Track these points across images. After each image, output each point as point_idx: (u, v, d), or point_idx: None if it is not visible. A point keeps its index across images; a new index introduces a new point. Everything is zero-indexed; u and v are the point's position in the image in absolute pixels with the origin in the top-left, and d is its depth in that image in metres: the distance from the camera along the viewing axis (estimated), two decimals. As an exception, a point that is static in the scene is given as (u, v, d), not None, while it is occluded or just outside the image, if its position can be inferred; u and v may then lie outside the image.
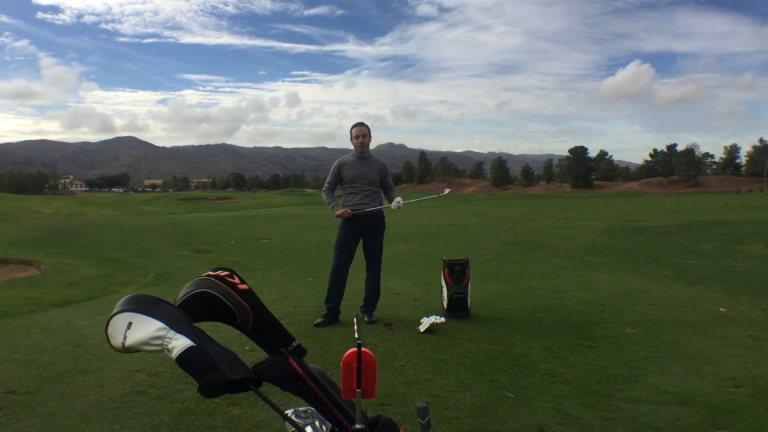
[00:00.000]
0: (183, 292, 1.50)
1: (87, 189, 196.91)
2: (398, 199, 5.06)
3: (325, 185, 5.10)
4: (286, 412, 1.58)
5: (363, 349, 1.36)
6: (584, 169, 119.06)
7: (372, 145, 5.07)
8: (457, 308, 5.02)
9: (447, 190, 6.11)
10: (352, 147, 5.06)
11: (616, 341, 4.26)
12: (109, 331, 1.38)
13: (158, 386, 3.26)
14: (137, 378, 3.40)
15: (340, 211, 4.92)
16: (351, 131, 4.98)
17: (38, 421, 2.78)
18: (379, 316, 5.04)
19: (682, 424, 2.79)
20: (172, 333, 1.36)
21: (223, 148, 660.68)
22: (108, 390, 3.21)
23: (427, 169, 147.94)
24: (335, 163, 5.07)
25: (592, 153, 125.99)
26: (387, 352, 3.99)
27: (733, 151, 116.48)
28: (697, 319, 4.95)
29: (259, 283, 6.93)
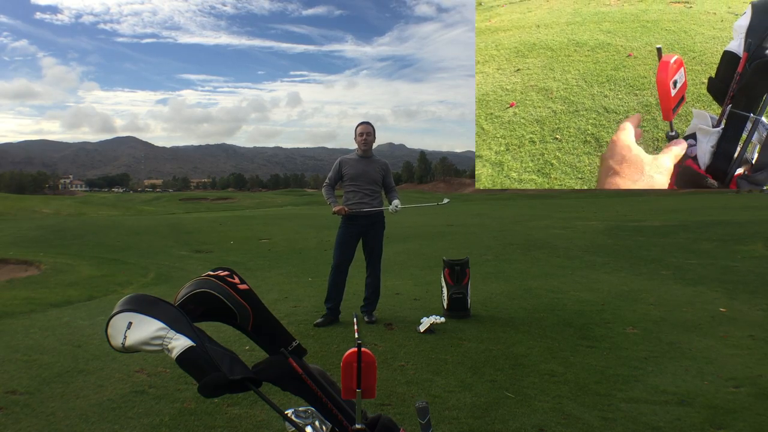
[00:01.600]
0: (183, 292, 1.50)
1: (87, 189, 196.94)
2: (396, 202, 5.03)
3: (326, 181, 5.09)
4: (286, 412, 1.58)
5: (363, 349, 1.36)
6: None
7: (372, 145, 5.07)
8: (457, 308, 5.02)
9: (446, 200, 6.15)
10: (352, 147, 5.07)
11: (616, 341, 4.26)
12: (109, 331, 1.38)
13: (158, 386, 3.26)
14: (137, 378, 3.40)
15: (336, 208, 4.91)
16: (356, 129, 4.97)
17: (38, 421, 2.78)
18: (379, 316, 5.04)
19: (682, 424, 2.79)
20: (172, 333, 1.36)
21: (223, 148, 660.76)
22: (108, 390, 3.21)
23: (427, 169, 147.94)
24: (337, 160, 5.07)
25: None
26: (387, 352, 3.99)
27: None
28: (697, 319, 4.95)
29: (259, 283, 6.93)
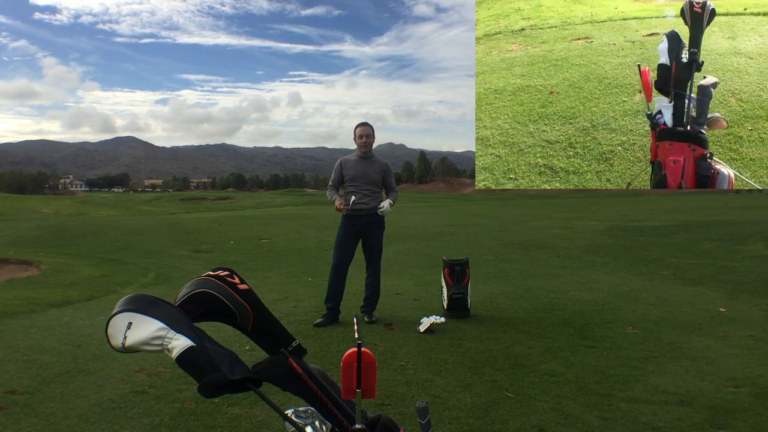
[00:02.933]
0: (183, 292, 1.50)
1: (87, 189, 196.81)
2: (385, 203, 4.88)
3: (329, 184, 5.10)
4: (286, 412, 1.58)
5: (363, 349, 1.36)
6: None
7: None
8: (457, 308, 5.02)
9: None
10: (352, 147, 5.06)
11: (616, 341, 4.26)
12: (109, 331, 1.39)
13: (158, 386, 3.26)
14: (137, 378, 3.40)
15: (337, 202, 4.87)
16: (355, 131, 4.96)
17: (38, 421, 2.78)
18: (379, 316, 5.04)
19: (682, 424, 2.79)
20: (172, 333, 1.36)
21: (223, 148, 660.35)
22: (108, 390, 3.21)
23: (427, 169, 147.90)
24: (337, 162, 5.06)
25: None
26: (387, 352, 3.99)
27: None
28: (697, 319, 4.95)
29: (259, 283, 6.93)
